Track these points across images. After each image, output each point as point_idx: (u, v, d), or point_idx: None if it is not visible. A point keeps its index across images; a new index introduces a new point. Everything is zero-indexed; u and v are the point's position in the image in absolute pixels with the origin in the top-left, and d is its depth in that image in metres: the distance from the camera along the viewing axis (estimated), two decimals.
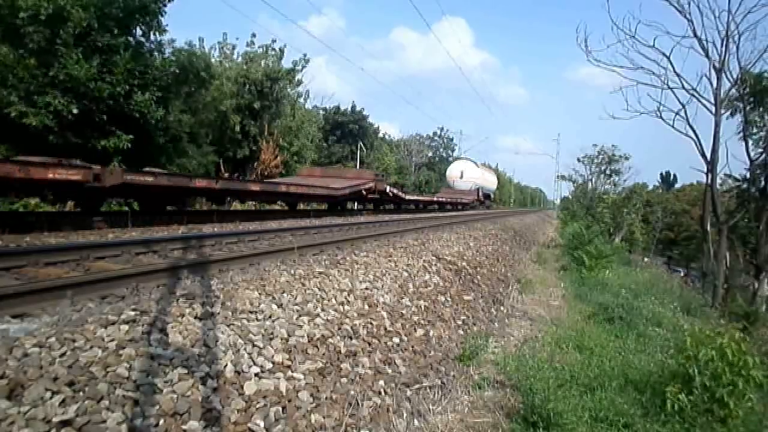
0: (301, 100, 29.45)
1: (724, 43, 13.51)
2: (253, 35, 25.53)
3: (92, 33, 12.01)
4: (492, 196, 47.69)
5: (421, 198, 26.04)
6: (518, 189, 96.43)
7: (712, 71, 13.86)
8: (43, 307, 3.03)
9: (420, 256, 6.94)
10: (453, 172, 40.23)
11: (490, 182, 45.18)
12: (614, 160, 31.26)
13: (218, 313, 3.16)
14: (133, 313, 2.79)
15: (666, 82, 14.43)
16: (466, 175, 38.96)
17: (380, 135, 48.64)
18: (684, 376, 3.73)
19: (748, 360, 3.65)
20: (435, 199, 28.23)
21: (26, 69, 10.99)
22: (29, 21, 11.14)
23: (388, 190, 17.20)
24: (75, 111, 11.43)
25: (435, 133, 58.65)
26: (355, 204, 19.67)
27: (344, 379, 3.22)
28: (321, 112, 37.01)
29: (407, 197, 20.94)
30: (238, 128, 21.57)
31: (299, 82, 26.40)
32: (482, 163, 52.79)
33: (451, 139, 59.00)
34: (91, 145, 12.35)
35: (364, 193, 15.52)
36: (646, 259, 29.85)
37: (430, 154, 55.15)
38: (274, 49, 23.91)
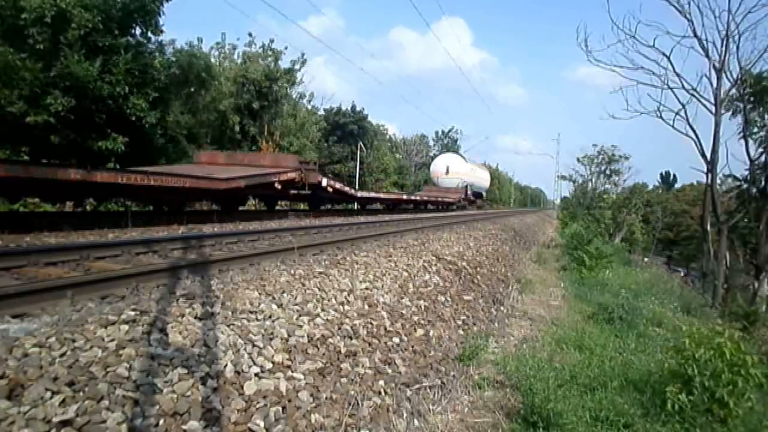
0: (305, 101, 29.50)
1: (724, 43, 13.58)
2: (252, 35, 25.55)
3: (94, 33, 12.04)
4: (484, 195, 43.77)
5: (383, 196, 20.86)
6: (518, 189, 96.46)
7: (712, 71, 13.93)
8: (43, 307, 3.03)
9: (420, 256, 6.94)
10: (437, 167, 36.34)
11: (482, 179, 40.99)
12: (614, 160, 31.32)
13: (218, 313, 3.16)
14: (133, 313, 2.79)
15: (666, 82, 14.50)
16: (453, 170, 34.99)
17: (387, 136, 48.77)
18: (684, 376, 3.73)
19: (747, 359, 3.65)
20: (406, 197, 23.56)
21: (29, 70, 11.01)
22: (33, 22, 11.16)
23: (325, 184, 12.94)
24: (69, 106, 11.45)
25: (442, 132, 58.97)
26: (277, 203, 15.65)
27: (344, 379, 3.22)
28: (321, 112, 37.11)
29: (359, 194, 16.63)
30: (237, 128, 21.59)
31: (299, 82, 26.44)
32: (483, 162, 52.52)
33: (456, 141, 59.21)
34: (88, 145, 12.39)
35: (279, 186, 11.14)
36: (646, 259, 29.83)
37: (431, 154, 55.32)
38: (272, 49, 23.96)
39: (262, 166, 11.96)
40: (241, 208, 13.12)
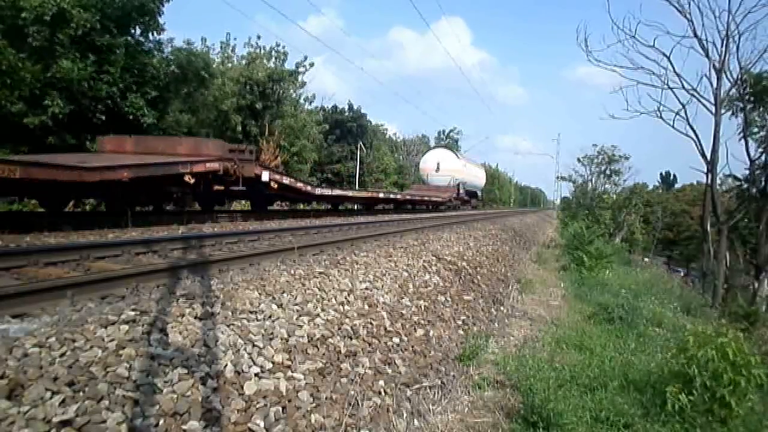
0: (306, 104, 29.47)
1: (724, 43, 13.55)
2: (258, 37, 25.54)
3: (92, 33, 12.05)
4: (480, 194, 40.44)
5: (351, 194, 17.58)
6: (518, 189, 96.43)
7: (712, 71, 13.89)
8: (43, 307, 3.04)
9: (420, 256, 6.94)
10: (427, 164, 33.02)
11: (476, 177, 37.75)
12: (614, 160, 31.23)
13: (218, 313, 3.16)
14: (133, 313, 2.79)
15: (666, 82, 14.46)
16: (444, 167, 31.78)
17: (386, 136, 48.78)
18: (685, 375, 3.73)
19: (751, 359, 3.65)
20: (383, 196, 20.29)
21: (30, 72, 11.02)
22: (32, 21, 11.17)
23: (266, 178, 10.28)
24: (66, 110, 11.46)
25: (443, 132, 59.18)
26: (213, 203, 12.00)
27: (344, 379, 3.22)
28: (320, 112, 36.98)
29: (318, 191, 13.66)
30: (239, 128, 21.60)
31: (302, 84, 26.45)
32: (482, 162, 52.29)
33: (457, 141, 59.29)
34: (87, 147, 12.40)
35: (191, 180, 8.53)
36: (646, 259, 29.83)
37: None
38: (278, 51, 24.03)
39: (178, 154, 9.32)
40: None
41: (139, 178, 7.55)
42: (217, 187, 10.21)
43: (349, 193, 17.51)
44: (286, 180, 11.53)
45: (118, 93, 12.39)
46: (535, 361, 4.54)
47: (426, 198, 24.73)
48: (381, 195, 20.11)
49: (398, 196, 21.89)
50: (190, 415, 2.25)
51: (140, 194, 9.22)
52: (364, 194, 19.11)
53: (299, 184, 12.33)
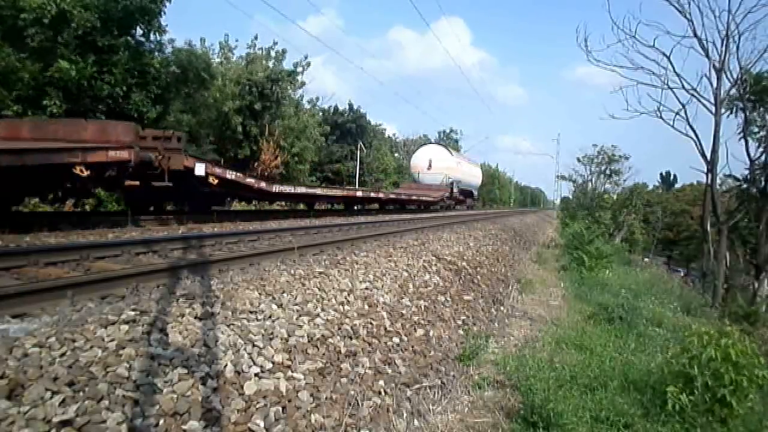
0: (307, 105, 29.47)
1: (724, 43, 13.51)
2: (256, 37, 25.46)
3: (93, 33, 12.05)
4: (476, 194, 38.22)
5: (320, 192, 14.89)
6: (518, 189, 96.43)
7: (712, 71, 13.86)
8: (43, 307, 3.04)
9: (420, 256, 6.93)
10: (418, 161, 30.70)
11: (471, 176, 35.52)
12: (614, 160, 31.26)
13: (218, 313, 3.16)
14: (133, 313, 2.79)
15: (666, 82, 14.42)
16: (436, 164, 29.58)
17: (386, 136, 48.94)
18: (685, 375, 3.73)
19: (755, 360, 3.65)
20: (362, 195, 17.84)
21: (29, 72, 11.02)
22: (32, 22, 11.17)
23: (201, 172, 8.42)
24: (64, 108, 11.48)
25: (444, 132, 59.40)
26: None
27: (344, 379, 3.22)
28: (320, 112, 36.95)
29: (276, 188, 11.49)
30: (239, 129, 21.59)
31: (302, 84, 26.44)
32: (482, 162, 52.19)
33: (457, 141, 59.38)
34: None
35: (84, 172, 6.73)
36: (646, 259, 29.84)
37: None
38: (276, 51, 24.04)
39: (80, 141, 7.35)
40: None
41: (2, 169, 5.83)
42: (129, 183, 8.08)
43: (319, 191, 14.82)
44: (230, 175, 9.43)
45: (120, 93, 12.39)
46: (535, 361, 4.54)
47: (415, 197, 22.85)
48: (359, 194, 17.72)
49: (381, 196, 19.58)
50: (190, 415, 2.25)
51: (9, 190, 7.33)
52: (338, 192, 16.56)
53: (249, 180, 10.32)
